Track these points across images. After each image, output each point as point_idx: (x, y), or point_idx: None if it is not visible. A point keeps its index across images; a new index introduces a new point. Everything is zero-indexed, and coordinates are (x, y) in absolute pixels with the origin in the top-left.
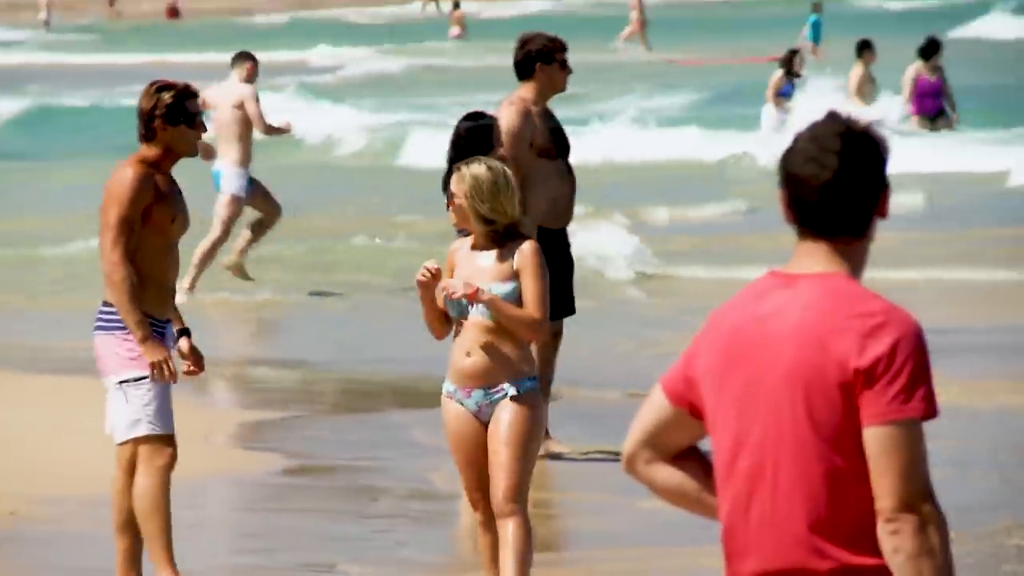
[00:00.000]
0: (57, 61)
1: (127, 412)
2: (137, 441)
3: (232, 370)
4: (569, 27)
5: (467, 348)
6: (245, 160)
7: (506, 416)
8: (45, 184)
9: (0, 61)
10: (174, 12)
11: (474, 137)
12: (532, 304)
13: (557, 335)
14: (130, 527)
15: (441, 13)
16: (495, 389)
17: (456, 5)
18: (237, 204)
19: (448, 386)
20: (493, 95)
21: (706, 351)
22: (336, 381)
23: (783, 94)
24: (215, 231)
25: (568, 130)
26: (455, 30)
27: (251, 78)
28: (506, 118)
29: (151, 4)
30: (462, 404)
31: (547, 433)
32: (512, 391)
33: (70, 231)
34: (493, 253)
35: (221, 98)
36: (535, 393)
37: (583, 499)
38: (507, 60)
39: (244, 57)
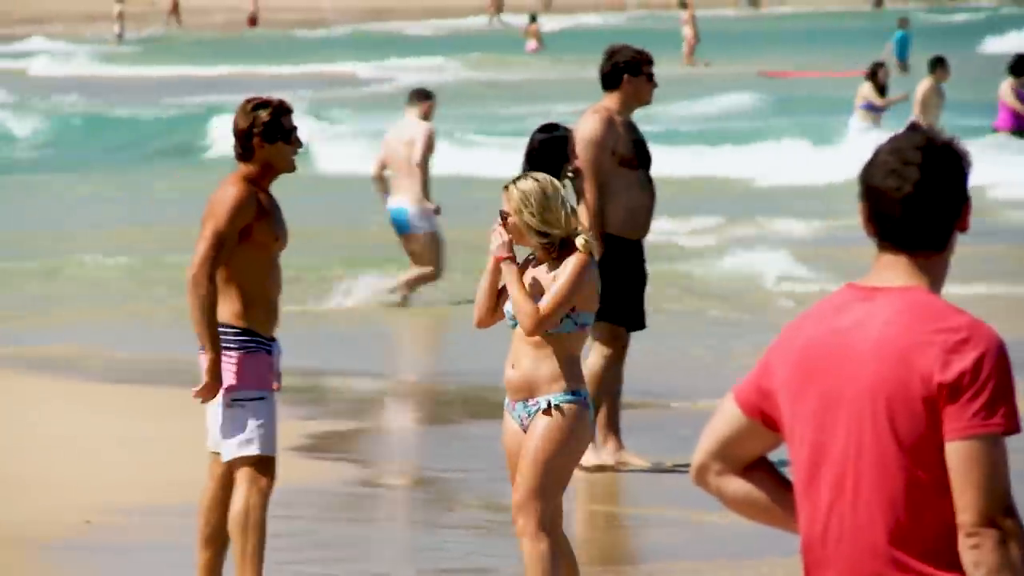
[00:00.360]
0: (107, 73)
1: (237, 431)
2: (244, 460)
3: (303, 380)
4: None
5: (512, 360)
6: (426, 195)
7: (534, 429)
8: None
9: (48, 72)
10: (254, 21)
11: (548, 149)
12: (546, 297)
13: (624, 347)
14: (216, 540)
15: (505, 25)
16: (532, 402)
17: (532, 19)
18: (435, 238)
19: (506, 399)
20: (570, 106)
21: (781, 363)
22: (409, 391)
23: (869, 107)
24: (424, 271)
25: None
26: (532, 43)
27: (427, 115)
28: (589, 125)
29: (223, 15)
30: (511, 416)
31: (619, 444)
32: (544, 404)
33: (120, 241)
34: (546, 267)
35: (397, 136)
36: (571, 407)
37: (649, 512)
38: (577, 72)
39: (422, 95)
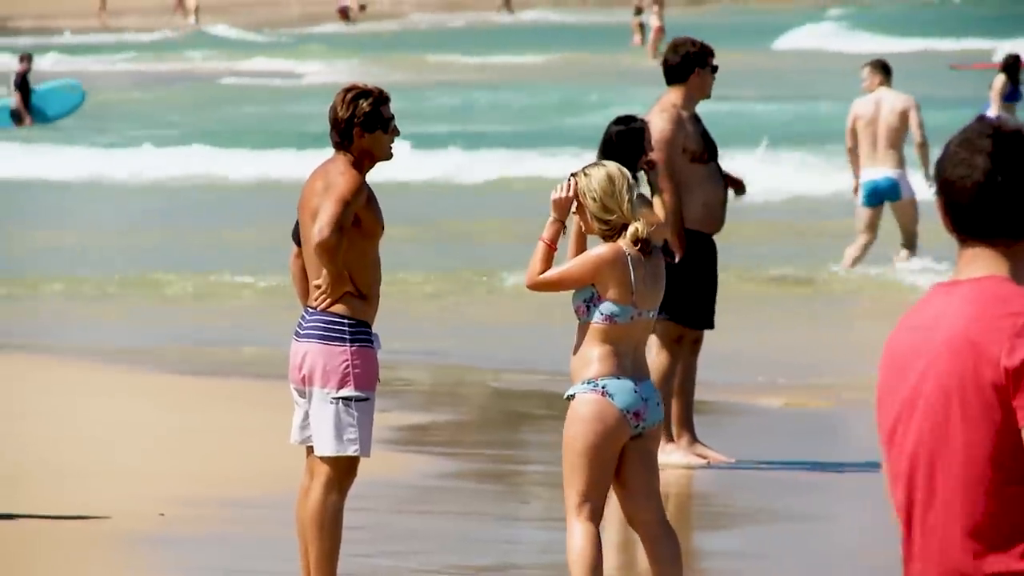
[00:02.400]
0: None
1: (341, 429)
2: (339, 458)
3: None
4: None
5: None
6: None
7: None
8: None
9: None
10: (345, 13)
11: (625, 140)
12: (564, 262)
13: (693, 344)
14: None
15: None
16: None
17: (638, 11)
18: (914, 207)
19: None
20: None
21: (880, 372)
22: (485, 384)
23: (1009, 99)
24: (868, 240)
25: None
26: (638, 38)
27: (879, 86)
28: (658, 125)
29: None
30: None
31: (693, 439)
32: (567, 394)
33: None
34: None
35: (873, 107)
36: (584, 396)
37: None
38: None
39: (886, 68)
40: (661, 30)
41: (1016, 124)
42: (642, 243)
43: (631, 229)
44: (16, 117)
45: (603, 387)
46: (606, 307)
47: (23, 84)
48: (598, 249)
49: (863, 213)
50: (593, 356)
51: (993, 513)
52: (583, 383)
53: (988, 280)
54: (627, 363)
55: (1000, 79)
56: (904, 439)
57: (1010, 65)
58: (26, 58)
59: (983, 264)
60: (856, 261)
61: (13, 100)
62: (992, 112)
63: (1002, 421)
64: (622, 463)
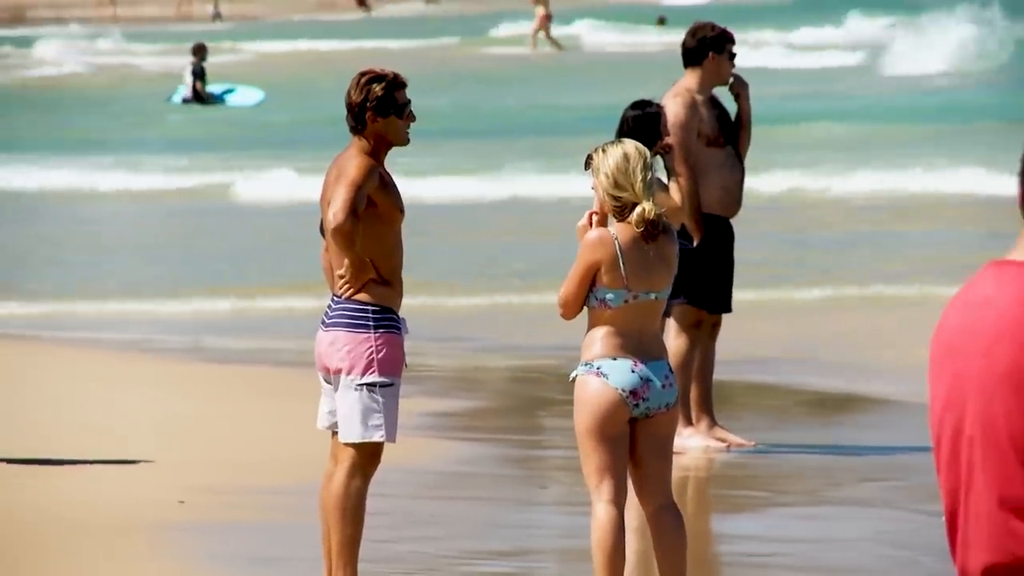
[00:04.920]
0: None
1: (367, 415)
2: (364, 445)
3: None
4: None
5: None
6: None
7: None
8: None
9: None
10: (362, 1)
11: (641, 125)
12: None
13: (712, 327)
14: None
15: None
16: None
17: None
18: None
19: None
20: None
21: (931, 348)
22: (504, 369)
23: None
24: None
25: None
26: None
27: None
28: (672, 110)
29: None
30: None
31: (712, 422)
32: (571, 376)
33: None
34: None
35: None
36: (580, 379)
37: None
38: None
39: None
40: (547, 17)
41: None
42: (648, 225)
43: (637, 209)
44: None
45: (598, 367)
46: (600, 291)
47: (200, 73)
48: (584, 239)
49: None
50: (595, 338)
51: None
52: (583, 365)
53: None
54: (630, 344)
55: None
56: (953, 422)
57: None
58: (199, 50)
59: None
60: None
61: (185, 89)
62: None
63: None
64: (633, 446)
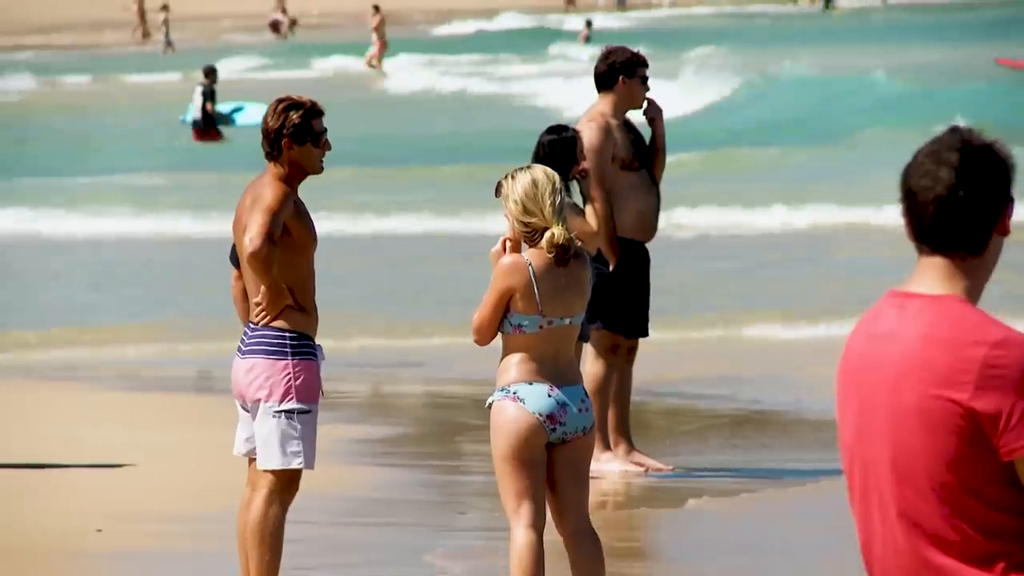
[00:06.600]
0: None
1: (285, 442)
2: (283, 472)
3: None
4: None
5: None
6: None
7: None
8: None
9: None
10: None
11: (557, 150)
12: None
13: (628, 352)
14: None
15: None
16: None
17: None
18: None
19: None
20: None
21: (838, 378)
22: (421, 395)
23: None
24: None
25: None
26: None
27: None
28: (587, 135)
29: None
30: None
31: (630, 447)
32: (487, 402)
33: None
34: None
35: None
36: (497, 404)
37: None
38: None
39: None
40: (384, 45)
41: (986, 138)
42: (558, 249)
43: (547, 234)
44: (200, 128)
45: (515, 392)
46: (515, 317)
47: (210, 94)
48: (498, 265)
49: None
50: (510, 364)
51: (951, 529)
52: (499, 390)
53: (947, 301)
54: (545, 369)
55: None
56: (864, 453)
57: None
58: (210, 72)
59: (939, 277)
60: None
61: (195, 110)
62: None
63: (960, 446)
64: (550, 471)
